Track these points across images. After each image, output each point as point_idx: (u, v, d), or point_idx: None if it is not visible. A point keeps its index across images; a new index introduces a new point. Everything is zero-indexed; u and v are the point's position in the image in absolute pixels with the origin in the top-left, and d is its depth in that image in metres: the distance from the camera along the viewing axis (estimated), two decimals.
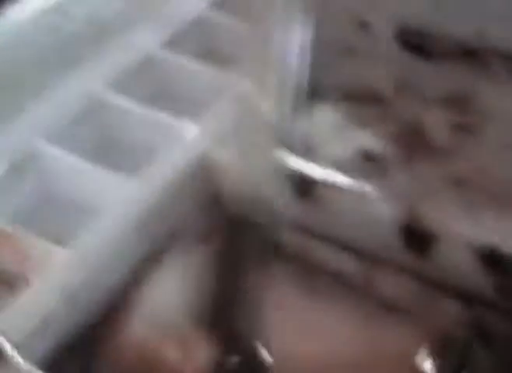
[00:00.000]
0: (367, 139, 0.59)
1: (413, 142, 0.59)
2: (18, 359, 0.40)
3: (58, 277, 0.47)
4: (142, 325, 0.48)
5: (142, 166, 0.52)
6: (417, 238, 0.50)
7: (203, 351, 0.47)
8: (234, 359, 0.45)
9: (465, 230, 0.49)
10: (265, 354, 0.45)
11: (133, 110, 0.57)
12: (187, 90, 0.62)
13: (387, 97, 0.63)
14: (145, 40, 0.62)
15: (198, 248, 0.52)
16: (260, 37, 0.64)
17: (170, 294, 0.49)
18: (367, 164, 0.57)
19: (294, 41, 0.62)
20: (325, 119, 0.61)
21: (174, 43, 0.62)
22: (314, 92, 0.62)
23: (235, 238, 0.44)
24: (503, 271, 0.48)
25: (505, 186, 0.56)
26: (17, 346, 0.40)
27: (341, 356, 0.46)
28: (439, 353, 0.46)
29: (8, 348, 0.39)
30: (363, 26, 0.66)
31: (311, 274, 0.50)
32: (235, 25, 0.66)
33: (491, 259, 0.48)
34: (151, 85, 0.62)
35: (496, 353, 0.47)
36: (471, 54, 0.63)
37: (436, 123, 0.61)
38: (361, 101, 0.62)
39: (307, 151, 0.57)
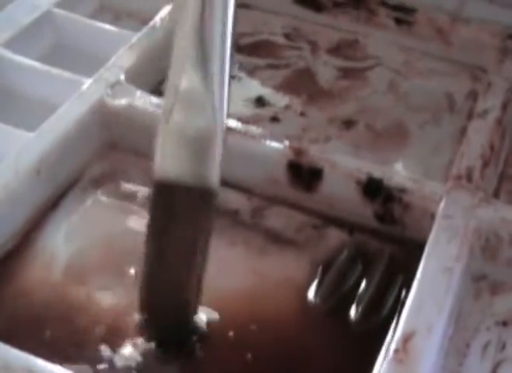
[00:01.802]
0: (259, 86, 0.61)
1: (303, 87, 0.61)
2: None
3: None
4: (41, 270, 0.49)
5: (40, 119, 0.53)
6: (303, 173, 0.52)
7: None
8: None
9: (349, 164, 0.51)
10: None
11: (31, 66, 0.58)
12: (84, 45, 0.63)
13: (279, 47, 0.65)
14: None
15: (95, 193, 0.53)
16: None
17: (68, 239, 0.50)
18: (258, 109, 0.59)
19: None
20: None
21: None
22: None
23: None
24: (382, 200, 0.51)
25: (387, 124, 0.59)
26: None
27: (235, 288, 0.48)
28: (321, 276, 0.49)
29: None
30: None
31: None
32: None
33: (371, 189, 0.51)
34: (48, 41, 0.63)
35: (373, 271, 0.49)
36: (358, 4, 0.65)
37: (326, 69, 0.63)
38: (253, 51, 0.65)
39: None
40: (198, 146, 0.40)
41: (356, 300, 0.48)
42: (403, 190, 0.50)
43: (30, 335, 0.45)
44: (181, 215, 0.42)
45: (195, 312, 0.46)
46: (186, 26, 0.40)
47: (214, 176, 0.41)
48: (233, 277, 0.49)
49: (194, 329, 0.46)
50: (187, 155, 0.40)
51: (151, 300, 0.45)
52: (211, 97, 0.40)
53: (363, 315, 0.47)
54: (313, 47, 0.65)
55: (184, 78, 0.40)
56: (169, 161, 0.41)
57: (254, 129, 0.54)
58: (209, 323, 0.46)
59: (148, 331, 0.46)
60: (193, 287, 0.44)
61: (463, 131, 0.56)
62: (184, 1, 0.40)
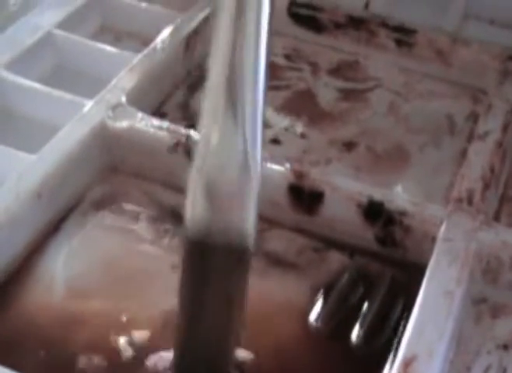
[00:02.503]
0: None
1: (304, 109, 0.62)
2: None
3: None
4: (42, 294, 0.48)
5: (41, 141, 0.53)
6: (304, 196, 0.52)
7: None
8: None
9: (350, 187, 0.51)
10: None
11: (32, 87, 0.58)
12: (85, 67, 0.63)
13: (279, 68, 0.65)
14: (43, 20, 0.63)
15: (97, 216, 0.53)
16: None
17: (69, 262, 0.50)
18: None
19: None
20: None
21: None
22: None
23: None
24: (382, 223, 0.51)
25: (388, 146, 0.59)
26: None
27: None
28: (323, 299, 0.49)
29: None
30: None
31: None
32: (128, 1, 0.67)
33: (372, 212, 0.51)
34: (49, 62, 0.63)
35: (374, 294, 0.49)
36: (359, 25, 0.66)
37: (326, 90, 0.64)
38: None
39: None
40: (232, 200, 0.37)
41: (358, 323, 0.47)
42: (404, 213, 0.50)
43: (30, 358, 0.45)
44: (215, 275, 0.39)
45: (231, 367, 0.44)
46: (216, 74, 0.37)
47: (249, 232, 0.37)
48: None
49: None
50: (220, 211, 0.37)
51: (188, 360, 0.43)
52: (244, 147, 0.36)
53: (365, 339, 0.47)
54: (314, 68, 0.66)
55: (215, 129, 0.36)
56: (201, 217, 0.37)
57: None
58: None
59: None
60: (229, 345, 0.42)
61: (463, 153, 0.56)
62: (216, 46, 0.37)
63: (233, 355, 0.44)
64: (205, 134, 0.36)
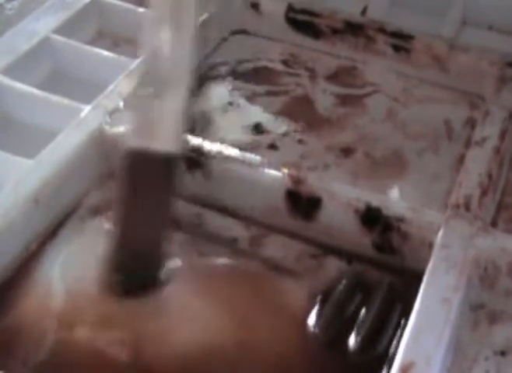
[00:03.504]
0: (258, 113, 0.61)
1: (302, 115, 0.62)
2: None
3: None
4: (39, 299, 0.48)
5: (38, 146, 0.53)
6: (302, 202, 0.52)
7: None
8: None
9: (347, 193, 0.51)
10: None
11: (29, 93, 0.58)
12: (82, 72, 0.63)
13: (277, 74, 0.65)
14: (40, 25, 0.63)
15: (94, 221, 0.53)
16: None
17: (66, 268, 0.50)
18: (256, 136, 0.59)
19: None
20: (217, 96, 0.63)
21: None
22: (206, 71, 0.64)
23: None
24: (380, 229, 0.51)
25: (386, 152, 0.59)
26: None
27: (231, 313, 0.48)
28: (320, 306, 0.49)
29: None
30: (254, 6, 0.68)
31: (206, 242, 0.52)
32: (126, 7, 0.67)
33: (370, 218, 0.51)
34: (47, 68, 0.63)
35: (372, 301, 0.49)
36: (357, 31, 0.66)
37: (324, 96, 0.64)
38: (251, 78, 0.65)
39: (201, 128, 0.59)
40: (166, 123, 0.46)
41: (355, 330, 0.47)
42: (401, 220, 0.50)
43: (26, 363, 0.45)
44: (146, 179, 0.47)
45: (161, 266, 0.48)
46: None
47: (177, 144, 0.47)
48: (231, 305, 0.48)
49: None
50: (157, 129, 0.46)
51: (122, 256, 0.48)
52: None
53: (362, 345, 0.47)
54: (312, 73, 0.66)
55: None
56: (140, 133, 0.47)
57: (252, 157, 0.53)
58: None
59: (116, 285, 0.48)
60: (159, 241, 0.47)
61: (461, 159, 0.56)
62: None
63: (163, 253, 0.48)
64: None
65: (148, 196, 0.47)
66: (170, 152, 0.47)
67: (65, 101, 0.57)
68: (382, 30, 0.65)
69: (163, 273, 0.47)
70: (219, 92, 0.63)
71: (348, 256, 0.51)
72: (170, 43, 0.45)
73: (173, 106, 0.46)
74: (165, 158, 0.46)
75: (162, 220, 0.48)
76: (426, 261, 0.47)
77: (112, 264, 0.48)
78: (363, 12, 0.69)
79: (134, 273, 0.48)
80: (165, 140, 0.46)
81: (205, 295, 0.49)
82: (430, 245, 0.48)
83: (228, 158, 0.53)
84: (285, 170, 0.52)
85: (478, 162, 0.53)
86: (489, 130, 0.56)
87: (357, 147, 0.59)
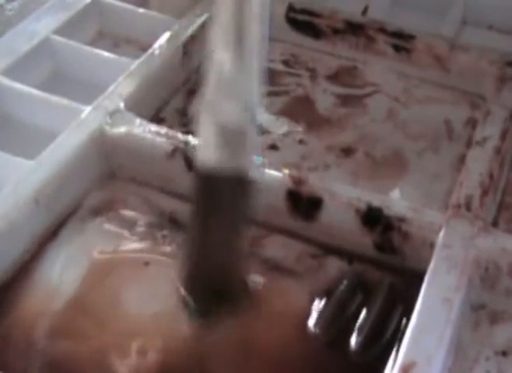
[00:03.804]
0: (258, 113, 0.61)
1: (302, 115, 0.62)
2: None
3: None
4: (40, 300, 0.48)
5: (39, 147, 0.53)
6: (303, 202, 0.52)
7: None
8: None
9: (348, 193, 0.51)
10: None
11: (29, 93, 0.58)
12: (83, 73, 0.63)
13: (278, 74, 0.65)
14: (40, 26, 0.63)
15: (95, 222, 0.53)
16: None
17: (67, 269, 0.50)
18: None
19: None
20: None
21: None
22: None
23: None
24: (381, 229, 0.51)
25: (386, 152, 0.59)
26: None
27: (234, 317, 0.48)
28: (321, 306, 0.49)
29: None
30: None
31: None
32: (126, 7, 0.67)
33: (371, 218, 0.51)
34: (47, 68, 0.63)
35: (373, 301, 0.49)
36: (357, 31, 0.66)
37: (325, 96, 0.64)
38: None
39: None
40: (236, 137, 0.43)
41: (356, 330, 0.47)
42: (402, 220, 0.50)
43: (26, 365, 0.45)
44: (223, 203, 0.44)
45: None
46: (226, 9, 0.42)
47: (251, 165, 0.44)
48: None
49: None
50: (227, 146, 0.43)
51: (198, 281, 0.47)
52: (248, 89, 0.43)
53: (363, 346, 0.47)
54: (312, 74, 0.66)
55: (227, 59, 0.42)
56: (210, 152, 0.44)
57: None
58: None
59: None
60: (237, 267, 0.47)
61: (462, 159, 0.56)
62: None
63: (239, 277, 0.48)
64: (218, 64, 0.42)
65: (224, 216, 0.46)
66: (244, 171, 0.44)
67: (65, 102, 0.57)
68: (382, 30, 0.65)
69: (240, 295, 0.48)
70: None
71: (349, 256, 0.51)
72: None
73: (250, 126, 0.44)
74: (240, 176, 0.44)
75: (238, 241, 0.47)
76: (427, 261, 0.47)
77: (188, 288, 0.47)
78: (364, 11, 0.69)
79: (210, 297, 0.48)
80: (242, 158, 0.44)
81: None
82: (431, 245, 0.48)
83: None
84: (286, 170, 0.52)
85: (478, 162, 0.53)
86: (490, 130, 0.56)
87: (358, 147, 0.59)
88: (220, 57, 0.42)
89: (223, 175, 0.43)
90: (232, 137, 0.43)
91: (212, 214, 0.45)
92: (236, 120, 0.42)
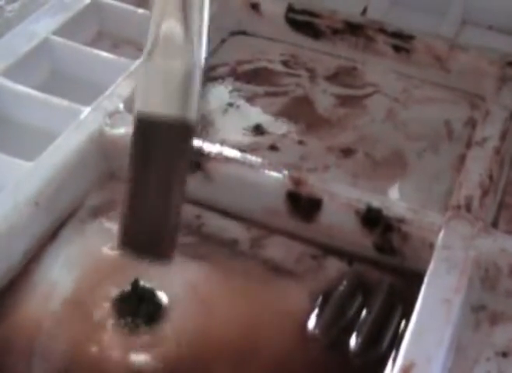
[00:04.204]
0: (258, 114, 0.61)
1: (302, 115, 0.62)
2: None
3: None
4: (40, 301, 0.48)
5: (38, 148, 0.53)
6: (302, 203, 0.52)
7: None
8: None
9: (348, 194, 0.51)
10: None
11: (29, 94, 0.58)
12: (82, 73, 0.63)
13: (277, 74, 0.65)
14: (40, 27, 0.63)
15: (94, 223, 0.53)
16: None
17: (67, 270, 0.50)
18: (257, 137, 0.59)
19: None
20: (217, 98, 0.63)
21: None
22: (206, 73, 0.64)
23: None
24: (381, 230, 0.51)
25: (386, 153, 0.59)
26: None
27: (233, 318, 0.48)
28: (321, 307, 0.49)
29: None
30: (254, 6, 0.68)
31: (206, 244, 0.52)
32: (126, 8, 0.67)
33: (370, 219, 0.51)
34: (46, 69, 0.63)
35: (373, 302, 0.49)
36: (357, 31, 0.66)
37: (324, 96, 0.64)
38: (251, 79, 0.65)
39: (201, 129, 0.59)
40: (178, 86, 0.43)
41: (356, 331, 0.47)
42: (402, 220, 0.50)
43: (25, 367, 0.45)
44: (159, 150, 0.44)
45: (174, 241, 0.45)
46: None
47: (192, 112, 0.43)
48: (231, 307, 0.48)
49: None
50: (167, 93, 0.43)
51: (133, 227, 0.45)
52: (190, 42, 0.43)
53: (363, 347, 0.47)
54: (312, 74, 0.66)
55: (164, 24, 0.43)
56: (149, 98, 0.43)
57: (253, 159, 0.53)
58: None
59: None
60: (172, 215, 0.45)
61: (461, 159, 0.56)
62: None
63: (174, 227, 0.45)
64: (154, 28, 0.43)
65: (161, 161, 0.44)
66: (183, 118, 0.43)
67: (65, 103, 0.57)
68: (382, 30, 0.65)
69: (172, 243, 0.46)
70: (219, 94, 0.62)
71: (349, 256, 0.51)
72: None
73: (185, 67, 0.43)
74: (179, 124, 0.43)
75: (175, 191, 0.45)
76: (427, 262, 0.47)
77: (123, 233, 0.45)
78: (363, 12, 0.69)
79: (146, 237, 0.45)
80: (177, 104, 0.43)
81: (205, 296, 0.48)
82: (431, 246, 0.48)
83: (228, 160, 0.52)
84: (286, 171, 0.52)
85: (478, 163, 0.53)
86: (490, 131, 0.56)
87: (357, 147, 0.59)
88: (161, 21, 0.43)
89: (162, 121, 0.43)
90: (174, 87, 0.43)
91: (149, 162, 0.44)
92: (180, 67, 0.43)
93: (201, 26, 0.44)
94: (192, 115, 0.43)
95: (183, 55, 0.43)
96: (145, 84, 0.44)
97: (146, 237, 0.45)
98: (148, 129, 0.43)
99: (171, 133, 0.43)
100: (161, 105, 0.43)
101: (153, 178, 0.44)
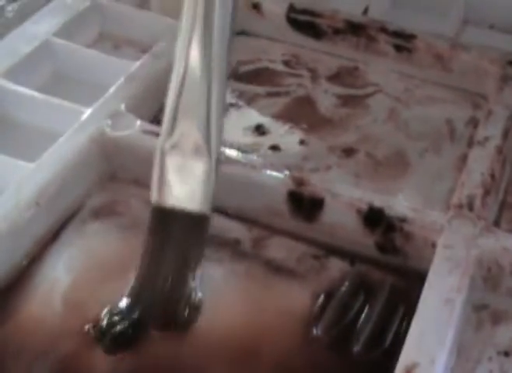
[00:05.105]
0: (259, 114, 0.61)
1: (304, 116, 0.62)
2: None
3: None
4: (41, 302, 0.48)
5: (40, 149, 0.53)
6: (304, 203, 0.52)
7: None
8: None
9: (350, 194, 0.51)
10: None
11: (30, 96, 0.58)
12: (83, 74, 0.63)
13: (279, 74, 0.65)
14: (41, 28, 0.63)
15: (96, 224, 0.53)
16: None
17: (68, 271, 0.50)
18: (258, 138, 0.59)
19: None
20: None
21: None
22: None
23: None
24: (383, 230, 0.51)
25: (388, 153, 0.59)
26: None
27: (235, 319, 0.48)
28: (323, 307, 0.49)
29: None
30: (255, 6, 0.68)
31: (208, 244, 0.52)
32: (127, 9, 0.67)
33: (372, 219, 0.51)
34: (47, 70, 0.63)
35: (375, 302, 0.49)
36: (358, 31, 0.66)
37: (326, 96, 0.64)
38: (253, 79, 0.65)
39: None
40: (198, 184, 0.47)
41: (358, 331, 0.47)
42: (404, 220, 0.50)
43: (27, 368, 0.45)
44: (176, 238, 0.46)
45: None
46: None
47: (208, 203, 0.46)
48: (233, 307, 0.48)
49: None
50: (184, 186, 0.46)
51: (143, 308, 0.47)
52: (208, 143, 0.46)
53: (365, 347, 0.47)
54: (313, 74, 0.66)
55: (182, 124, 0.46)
56: (166, 190, 0.46)
57: (254, 159, 0.53)
58: None
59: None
60: (182, 297, 0.47)
61: (463, 159, 0.56)
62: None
63: (185, 303, 0.47)
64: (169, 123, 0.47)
65: (175, 253, 0.47)
66: (198, 212, 0.47)
67: (66, 104, 0.57)
68: (383, 30, 0.64)
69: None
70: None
71: (351, 256, 0.51)
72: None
73: (203, 167, 0.46)
74: (194, 218, 0.47)
75: (186, 279, 0.48)
76: (429, 261, 0.47)
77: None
78: (365, 11, 0.69)
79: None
80: (194, 200, 0.47)
81: (206, 297, 0.48)
82: (433, 246, 0.48)
83: (230, 160, 0.52)
84: (287, 171, 0.52)
85: (480, 162, 0.53)
86: (492, 130, 0.56)
87: (359, 147, 0.59)
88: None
89: (178, 214, 0.46)
90: (190, 177, 0.46)
91: (164, 249, 0.46)
92: (197, 159, 0.46)
93: (219, 125, 0.47)
94: (207, 205, 0.46)
95: (204, 153, 0.46)
96: (161, 175, 0.47)
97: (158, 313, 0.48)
98: (164, 219, 0.47)
99: (186, 223, 0.47)
100: (181, 200, 0.46)
101: (168, 263, 0.47)
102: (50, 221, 0.52)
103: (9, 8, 0.67)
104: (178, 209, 0.46)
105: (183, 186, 0.46)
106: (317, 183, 0.52)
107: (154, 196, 0.46)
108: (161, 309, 0.48)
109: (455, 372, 0.45)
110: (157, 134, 0.53)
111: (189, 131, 0.46)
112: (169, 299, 0.48)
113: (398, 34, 0.65)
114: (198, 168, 0.46)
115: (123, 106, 0.56)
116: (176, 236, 0.47)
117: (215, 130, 0.46)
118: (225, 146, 0.54)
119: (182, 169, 0.46)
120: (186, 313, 0.48)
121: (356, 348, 0.47)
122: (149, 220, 0.47)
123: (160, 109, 0.59)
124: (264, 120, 0.60)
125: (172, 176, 0.46)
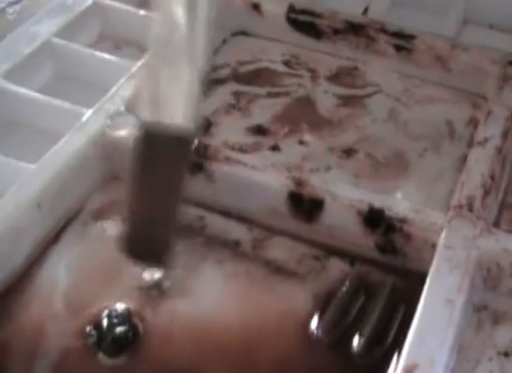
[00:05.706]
0: (258, 115, 0.61)
1: (304, 116, 0.62)
2: None
3: None
4: (42, 304, 0.49)
5: (40, 150, 0.53)
6: (304, 204, 0.52)
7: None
8: None
9: (350, 195, 0.51)
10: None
11: (31, 97, 0.58)
12: (84, 75, 0.63)
13: (279, 75, 0.65)
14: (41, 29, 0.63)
15: (96, 225, 0.53)
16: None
17: (69, 272, 0.50)
18: (258, 138, 0.59)
19: None
20: (219, 98, 0.63)
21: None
22: (207, 73, 0.64)
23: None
24: (383, 231, 0.51)
25: (388, 153, 0.59)
26: None
27: (236, 319, 0.48)
28: (324, 308, 0.49)
29: None
30: (255, 7, 0.68)
31: (209, 245, 0.52)
32: (127, 9, 0.67)
33: (372, 220, 0.51)
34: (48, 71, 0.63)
35: (375, 302, 0.49)
36: (358, 31, 0.66)
37: (326, 97, 0.64)
38: (253, 80, 0.65)
39: (203, 130, 0.59)
40: (182, 95, 0.46)
41: (358, 331, 0.47)
42: (404, 221, 0.50)
43: (28, 367, 0.45)
44: (160, 160, 0.46)
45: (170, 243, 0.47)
46: None
47: (193, 120, 0.46)
48: (234, 308, 0.48)
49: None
50: (173, 102, 0.45)
51: (134, 231, 0.47)
52: (194, 47, 0.45)
53: (366, 347, 0.47)
54: (313, 74, 0.66)
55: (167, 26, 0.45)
56: (154, 106, 0.46)
57: (254, 159, 0.53)
58: None
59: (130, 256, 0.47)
60: (169, 219, 0.47)
61: (463, 159, 0.56)
62: None
63: (173, 228, 0.47)
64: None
65: (161, 170, 0.46)
66: (183, 127, 0.45)
67: (67, 105, 0.57)
68: (383, 30, 0.65)
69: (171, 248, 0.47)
70: (221, 94, 0.62)
71: (351, 257, 0.51)
72: (184, 7, 0.45)
73: (186, 76, 0.45)
74: (178, 132, 0.45)
75: (174, 194, 0.47)
76: (429, 262, 0.47)
77: (127, 235, 0.47)
78: (364, 12, 0.69)
79: (146, 243, 0.47)
80: (177, 113, 0.45)
81: (207, 297, 0.48)
82: (433, 246, 0.49)
83: (230, 161, 0.52)
84: (288, 172, 0.52)
85: (480, 162, 0.53)
86: (492, 130, 0.56)
87: (359, 148, 0.59)
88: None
89: (163, 132, 0.45)
90: (179, 94, 0.45)
91: (152, 170, 0.46)
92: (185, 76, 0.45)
93: (203, 29, 0.45)
94: (193, 122, 0.45)
95: (187, 62, 0.45)
96: (148, 90, 0.45)
97: (147, 245, 0.47)
98: (152, 139, 0.45)
99: (174, 143, 0.46)
100: (167, 115, 0.45)
101: (155, 184, 0.46)
102: (51, 222, 0.52)
103: (10, 10, 0.67)
104: (163, 127, 0.45)
105: (169, 100, 0.45)
106: (317, 184, 0.52)
107: (140, 112, 0.46)
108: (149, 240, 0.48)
109: (455, 372, 0.45)
110: None
111: (173, 37, 0.45)
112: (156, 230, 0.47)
113: (397, 34, 0.65)
114: (183, 78, 0.45)
115: (123, 107, 0.56)
116: (161, 156, 0.46)
117: (200, 34, 0.46)
118: (225, 146, 0.54)
119: (167, 80, 0.45)
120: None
121: (357, 348, 0.47)
122: (137, 143, 0.46)
123: None
124: (265, 121, 0.60)
125: (157, 90, 0.45)
